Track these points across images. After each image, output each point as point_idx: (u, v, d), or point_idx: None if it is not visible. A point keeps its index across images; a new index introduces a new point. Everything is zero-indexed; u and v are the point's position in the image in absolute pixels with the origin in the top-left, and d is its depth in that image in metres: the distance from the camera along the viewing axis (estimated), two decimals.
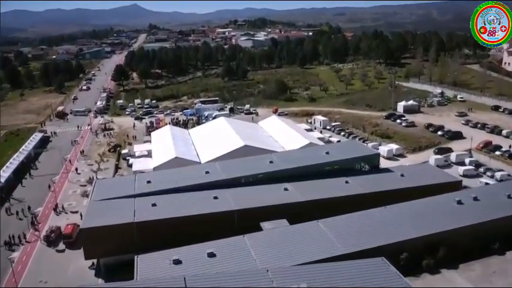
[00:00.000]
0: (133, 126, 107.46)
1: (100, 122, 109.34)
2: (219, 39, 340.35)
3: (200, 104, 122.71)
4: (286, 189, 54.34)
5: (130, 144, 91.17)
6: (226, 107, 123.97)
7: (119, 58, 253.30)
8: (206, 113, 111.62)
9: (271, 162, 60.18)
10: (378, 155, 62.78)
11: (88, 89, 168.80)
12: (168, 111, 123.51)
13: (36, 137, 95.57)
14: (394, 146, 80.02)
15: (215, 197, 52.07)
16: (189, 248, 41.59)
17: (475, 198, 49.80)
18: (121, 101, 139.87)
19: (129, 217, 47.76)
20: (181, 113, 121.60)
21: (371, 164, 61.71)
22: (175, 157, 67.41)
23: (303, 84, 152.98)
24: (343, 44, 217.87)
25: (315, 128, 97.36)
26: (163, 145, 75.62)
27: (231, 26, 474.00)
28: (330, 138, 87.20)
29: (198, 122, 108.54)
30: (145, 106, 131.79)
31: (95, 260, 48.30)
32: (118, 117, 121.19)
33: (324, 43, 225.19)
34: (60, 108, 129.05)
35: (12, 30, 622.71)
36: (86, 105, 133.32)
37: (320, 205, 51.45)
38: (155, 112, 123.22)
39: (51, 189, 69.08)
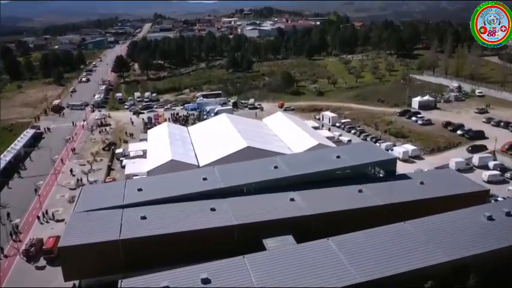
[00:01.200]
0: (132, 122, 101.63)
1: (96, 118, 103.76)
2: (225, 29, 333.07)
3: (202, 98, 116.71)
4: (292, 199, 48.49)
5: (126, 142, 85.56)
6: (229, 101, 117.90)
7: (122, 48, 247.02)
8: (208, 108, 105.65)
9: (275, 167, 54.27)
10: (395, 160, 56.57)
11: (88, 80, 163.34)
12: (169, 105, 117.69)
13: (28, 133, 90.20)
14: (410, 147, 73.66)
15: (212, 209, 46.38)
16: (181, 272, 36.11)
17: (508, 214, 43.52)
18: (120, 94, 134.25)
19: (115, 233, 42.23)
20: (182, 107, 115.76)
21: (387, 170, 55.64)
22: (171, 160, 61.79)
23: (311, 77, 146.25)
24: (353, 34, 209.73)
25: (323, 126, 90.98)
26: (159, 145, 69.94)
27: (237, 15, 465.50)
28: (340, 137, 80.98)
29: (199, 118, 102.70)
30: (145, 100, 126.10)
31: (76, 281, 42.98)
32: (116, 112, 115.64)
33: (332, 33, 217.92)
34: (56, 101, 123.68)
35: (18, 19, 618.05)
36: (84, 99, 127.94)
37: (330, 219, 45.68)
38: (155, 106, 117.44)
39: (38, 193, 63.86)
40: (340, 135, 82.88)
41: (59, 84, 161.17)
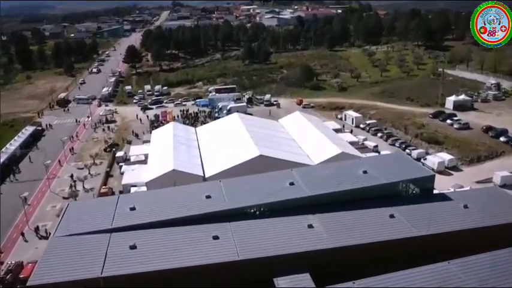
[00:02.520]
0: (140, 120, 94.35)
1: (100, 114, 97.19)
2: (243, 17, 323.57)
3: (214, 94, 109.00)
4: (310, 226, 40.64)
5: (129, 142, 78.82)
6: (243, 96, 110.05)
7: (137, 37, 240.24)
8: (220, 105, 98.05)
9: (291, 183, 46.39)
10: (433, 177, 47.81)
11: (98, 71, 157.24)
12: (180, 100, 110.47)
13: (27, 131, 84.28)
14: (446, 156, 64.47)
15: (215, 237, 38.92)
16: None
17: None
18: (129, 87, 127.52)
19: (97, 268, 35.20)
20: (193, 102, 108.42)
21: (422, 188, 47.18)
22: (173, 170, 54.60)
23: (332, 70, 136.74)
24: (377, 24, 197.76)
25: (344, 126, 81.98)
26: (162, 150, 62.80)
27: (256, 2, 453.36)
28: (365, 142, 72.37)
29: (210, 115, 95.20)
30: (155, 93, 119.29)
31: None
32: (124, 107, 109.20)
33: (354, 22, 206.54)
34: (62, 95, 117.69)
35: (40, 7, 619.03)
36: (92, 91, 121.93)
37: (356, 253, 37.83)
38: (165, 101, 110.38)
39: (28, 203, 57.76)
40: (365, 139, 74.15)
41: (70, 75, 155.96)
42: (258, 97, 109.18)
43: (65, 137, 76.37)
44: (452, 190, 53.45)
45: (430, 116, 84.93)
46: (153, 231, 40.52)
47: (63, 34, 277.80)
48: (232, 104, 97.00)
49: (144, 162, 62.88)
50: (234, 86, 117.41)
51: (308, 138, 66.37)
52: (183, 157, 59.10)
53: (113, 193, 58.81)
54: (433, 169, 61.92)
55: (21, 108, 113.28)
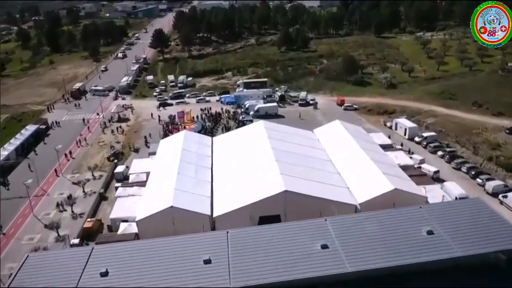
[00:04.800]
0: (159, 120, 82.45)
1: (112, 111, 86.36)
2: None
3: (242, 89, 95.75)
4: None
5: (136, 150, 67.60)
6: (276, 91, 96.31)
7: (170, 18, 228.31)
8: (247, 104, 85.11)
9: (324, 247, 33.14)
10: None
11: (124, 57, 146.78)
12: (203, 95, 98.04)
13: (26, 131, 74.62)
14: None
15: None
16: None
17: None
18: (151, 77, 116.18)
19: None
20: (218, 98, 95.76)
21: None
22: (171, 207, 42.56)
23: (380, 61, 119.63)
24: (432, 7, 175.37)
25: (389, 137, 65.91)
26: (165, 171, 50.83)
27: None
28: (422, 166, 57.27)
29: (235, 116, 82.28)
30: (178, 85, 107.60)
31: None
32: (142, 100, 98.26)
33: (406, 5, 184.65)
34: (77, 85, 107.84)
35: None
36: (113, 81, 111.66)
37: None
38: (187, 95, 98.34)
39: (3, 231, 48.01)
40: (423, 161, 58.81)
41: (95, 59, 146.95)
42: (292, 94, 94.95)
43: (59, 145, 65.30)
44: None
45: (507, 131, 67.30)
46: None
47: (98, 14, 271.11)
48: (260, 104, 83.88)
49: (144, 184, 51.30)
50: (266, 79, 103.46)
51: (350, 160, 52.26)
52: (188, 185, 46.77)
53: (100, 225, 47.93)
54: None
55: (36, 98, 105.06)
